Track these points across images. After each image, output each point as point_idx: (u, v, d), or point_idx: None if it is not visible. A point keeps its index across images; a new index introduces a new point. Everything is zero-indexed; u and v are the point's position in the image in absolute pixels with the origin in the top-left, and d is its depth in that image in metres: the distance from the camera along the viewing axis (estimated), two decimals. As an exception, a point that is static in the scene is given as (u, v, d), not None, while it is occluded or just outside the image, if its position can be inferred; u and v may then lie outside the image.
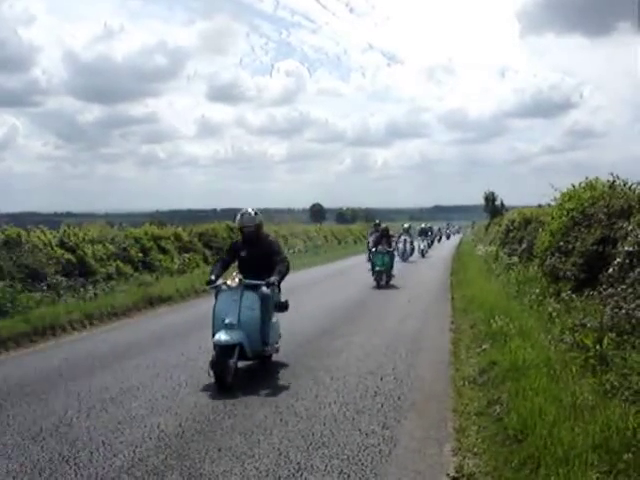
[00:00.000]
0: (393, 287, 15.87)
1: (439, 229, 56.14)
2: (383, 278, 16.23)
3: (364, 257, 22.08)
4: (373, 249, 17.01)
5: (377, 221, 23.62)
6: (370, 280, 16.32)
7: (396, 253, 19.45)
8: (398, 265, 23.47)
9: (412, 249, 27.52)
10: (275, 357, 7.42)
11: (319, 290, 14.65)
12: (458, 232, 76.41)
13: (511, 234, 19.37)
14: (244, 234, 6.98)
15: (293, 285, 16.24)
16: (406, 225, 28.51)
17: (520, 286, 11.65)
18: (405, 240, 26.10)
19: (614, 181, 9.92)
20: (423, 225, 36.64)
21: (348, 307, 12.14)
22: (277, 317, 7.13)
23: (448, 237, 63.30)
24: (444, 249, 38.98)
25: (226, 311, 6.39)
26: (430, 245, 35.54)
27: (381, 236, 17.66)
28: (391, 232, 18.94)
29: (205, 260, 19.67)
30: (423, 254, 30.15)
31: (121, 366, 7.11)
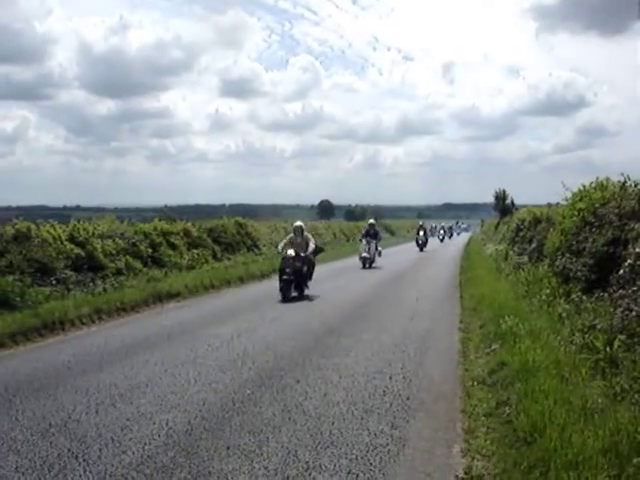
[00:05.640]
0: (402, 285, 15.88)
1: (432, 227, 51.17)
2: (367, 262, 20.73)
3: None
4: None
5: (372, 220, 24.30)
6: (379, 277, 16.46)
7: None
8: (408, 264, 23.59)
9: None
10: (284, 354, 7.46)
11: (328, 288, 14.62)
12: (467, 230, 75.99)
13: (521, 233, 19.24)
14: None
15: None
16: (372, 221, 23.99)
17: (530, 286, 11.58)
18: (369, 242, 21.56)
19: (625, 182, 9.84)
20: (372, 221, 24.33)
21: (357, 304, 12.12)
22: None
23: (458, 234, 62.67)
24: (453, 247, 38.85)
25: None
26: (376, 249, 22.21)
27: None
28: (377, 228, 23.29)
29: (214, 256, 19.59)
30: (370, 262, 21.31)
31: (130, 362, 7.13)
